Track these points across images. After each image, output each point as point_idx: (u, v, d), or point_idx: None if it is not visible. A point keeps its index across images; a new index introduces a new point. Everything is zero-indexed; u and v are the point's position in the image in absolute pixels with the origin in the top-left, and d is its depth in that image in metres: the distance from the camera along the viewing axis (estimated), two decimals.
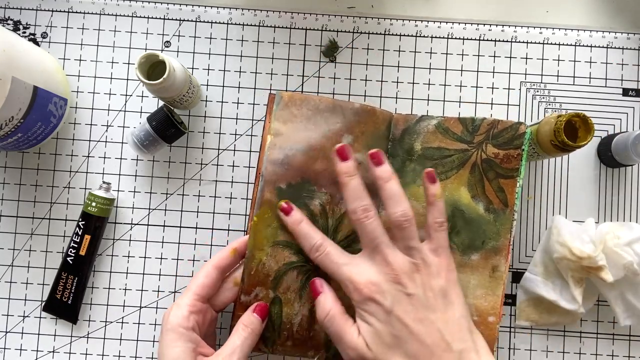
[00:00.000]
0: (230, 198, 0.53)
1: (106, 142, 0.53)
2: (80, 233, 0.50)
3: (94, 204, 0.50)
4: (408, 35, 0.54)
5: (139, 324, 0.52)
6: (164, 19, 0.54)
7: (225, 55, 0.54)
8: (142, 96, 0.53)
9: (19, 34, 0.53)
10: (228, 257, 0.46)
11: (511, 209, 0.47)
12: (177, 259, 0.52)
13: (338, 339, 0.43)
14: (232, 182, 0.53)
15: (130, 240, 0.53)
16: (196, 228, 0.53)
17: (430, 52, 0.54)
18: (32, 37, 0.53)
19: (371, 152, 0.44)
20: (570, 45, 0.54)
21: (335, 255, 0.44)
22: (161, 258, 0.52)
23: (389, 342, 0.41)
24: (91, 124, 0.53)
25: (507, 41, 0.54)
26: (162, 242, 0.53)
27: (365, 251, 0.44)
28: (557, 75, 0.54)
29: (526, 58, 0.54)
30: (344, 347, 0.43)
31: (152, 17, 0.54)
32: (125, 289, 0.52)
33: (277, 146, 0.47)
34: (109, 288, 0.52)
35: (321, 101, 0.48)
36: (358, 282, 0.42)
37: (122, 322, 0.52)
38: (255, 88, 0.53)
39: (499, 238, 0.47)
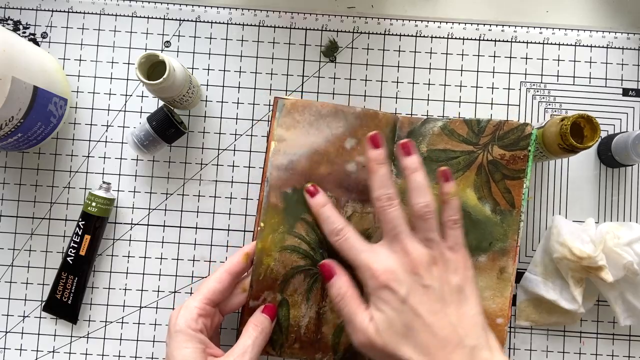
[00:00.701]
0: (230, 198, 0.53)
1: (106, 142, 0.53)
2: (80, 233, 0.50)
3: (94, 204, 0.50)
4: (408, 35, 0.54)
5: (139, 324, 0.52)
6: (164, 19, 0.54)
7: (225, 55, 0.54)
8: (142, 96, 0.53)
9: (19, 34, 0.53)
10: (240, 263, 0.46)
11: (518, 210, 0.47)
12: (177, 259, 0.52)
13: (349, 321, 0.43)
14: (232, 182, 0.53)
15: (130, 240, 0.52)
16: (196, 228, 0.53)
17: (430, 52, 0.54)
18: (32, 37, 0.53)
19: (402, 142, 0.45)
20: (570, 45, 0.54)
21: (355, 241, 0.44)
22: (161, 258, 0.52)
23: (400, 331, 0.41)
24: (91, 124, 0.53)
25: (507, 41, 0.54)
26: (162, 242, 0.53)
27: (385, 239, 0.44)
28: (557, 75, 0.54)
29: (526, 58, 0.54)
30: (353, 330, 0.43)
31: (152, 17, 0.54)
32: (125, 289, 0.52)
33: (281, 152, 0.47)
34: (109, 288, 0.52)
35: (323, 106, 0.48)
36: (376, 269, 0.42)
37: (122, 322, 0.52)
38: (255, 88, 0.53)
39: (506, 239, 0.47)
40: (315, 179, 0.47)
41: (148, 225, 0.53)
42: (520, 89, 0.54)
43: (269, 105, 0.53)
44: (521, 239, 0.47)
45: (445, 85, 0.54)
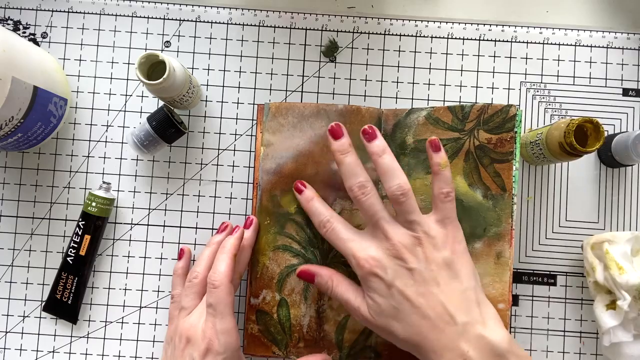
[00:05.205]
0: (230, 198, 0.53)
1: (106, 142, 0.53)
2: (80, 233, 0.50)
3: (94, 204, 0.50)
4: (408, 35, 0.54)
5: (139, 324, 0.52)
6: (164, 19, 0.54)
7: (225, 55, 0.54)
8: (142, 96, 0.53)
9: (19, 34, 0.53)
10: (239, 244, 0.48)
11: (510, 193, 0.47)
12: (177, 259, 0.52)
13: (346, 306, 0.45)
14: (232, 182, 0.53)
15: (130, 240, 0.52)
16: (196, 228, 0.53)
17: (430, 52, 0.54)
18: (32, 37, 0.53)
19: (363, 129, 0.44)
20: (570, 45, 0.54)
21: (341, 232, 0.45)
22: (161, 258, 0.52)
23: (392, 314, 0.42)
24: (91, 124, 0.53)
25: (507, 41, 0.54)
26: (162, 242, 0.53)
27: (368, 227, 0.44)
28: (557, 76, 0.54)
29: (526, 58, 0.54)
30: (351, 313, 0.44)
31: (152, 17, 0.54)
32: (125, 289, 0.52)
33: (269, 156, 0.49)
34: (109, 288, 0.52)
35: (305, 107, 0.49)
36: (360, 257, 0.43)
37: (122, 322, 0.52)
38: (255, 88, 0.53)
39: (501, 224, 0.47)
40: (303, 180, 0.48)
41: (148, 225, 0.53)
42: (520, 89, 0.54)
43: None
44: (515, 222, 0.47)
45: (445, 85, 0.54)
